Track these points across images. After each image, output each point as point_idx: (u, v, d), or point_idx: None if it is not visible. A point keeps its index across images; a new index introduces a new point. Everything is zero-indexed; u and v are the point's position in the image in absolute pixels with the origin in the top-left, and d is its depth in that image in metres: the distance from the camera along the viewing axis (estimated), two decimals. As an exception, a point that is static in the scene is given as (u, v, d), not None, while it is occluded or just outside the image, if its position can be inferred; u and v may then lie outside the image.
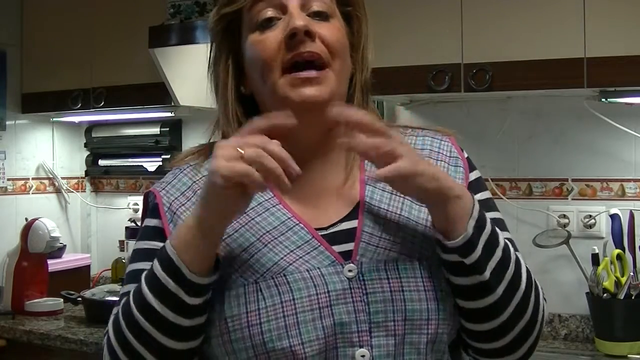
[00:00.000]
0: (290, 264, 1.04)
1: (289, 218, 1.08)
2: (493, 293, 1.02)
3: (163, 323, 0.99)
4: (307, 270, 1.03)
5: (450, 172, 1.14)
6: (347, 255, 1.05)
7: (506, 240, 1.06)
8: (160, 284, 0.99)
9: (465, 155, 1.18)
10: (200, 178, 1.12)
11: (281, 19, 1.07)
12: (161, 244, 1.04)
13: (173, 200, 1.12)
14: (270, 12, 1.07)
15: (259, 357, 1.00)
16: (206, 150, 1.16)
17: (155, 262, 1.01)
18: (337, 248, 1.06)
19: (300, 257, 1.04)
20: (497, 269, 1.02)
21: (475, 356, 1.11)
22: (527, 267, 1.08)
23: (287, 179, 0.94)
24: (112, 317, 1.06)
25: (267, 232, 1.07)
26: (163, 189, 1.14)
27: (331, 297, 1.01)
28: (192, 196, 1.11)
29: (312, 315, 1.00)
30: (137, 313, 1.01)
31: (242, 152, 0.93)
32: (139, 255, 1.12)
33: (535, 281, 1.08)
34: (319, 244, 1.06)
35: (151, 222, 1.13)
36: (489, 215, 1.08)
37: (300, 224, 1.07)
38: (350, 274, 1.03)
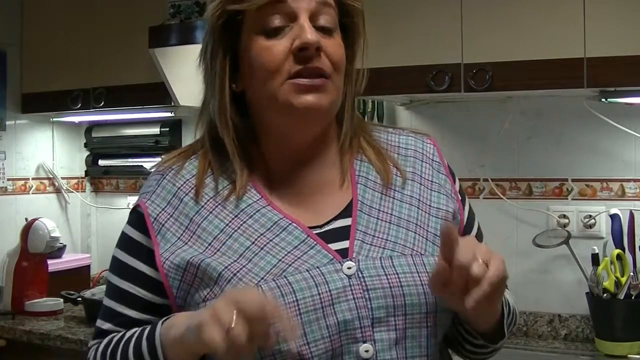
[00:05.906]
0: (290, 265, 1.04)
1: (281, 218, 1.09)
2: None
3: None
4: (307, 270, 1.04)
5: (433, 176, 1.17)
6: (343, 253, 1.06)
7: (506, 297, 1.12)
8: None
9: (446, 163, 1.21)
10: (184, 183, 1.13)
11: (288, 26, 1.07)
12: (142, 266, 1.10)
13: (160, 213, 1.11)
14: (278, 21, 1.07)
15: (265, 359, 1.01)
16: (189, 152, 1.17)
17: (143, 341, 1.03)
18: (333, 246, 1.07)
19: (299, 258, 1.05)
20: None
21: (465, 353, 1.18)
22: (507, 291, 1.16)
23: None
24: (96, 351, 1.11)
25: (261, 234, 1.07)
26: (148, 199, 1.14)
27: (333, 296, 1.02)
28: (179, 204, 1.11)
29: (316, 315, 1.01)
30: None
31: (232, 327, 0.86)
32: (120, 269, 1.15)
33: (509, 298, 1.17)
34: (315, 242, 1.07)
35: (134, 233, 1.14)
36: (476, 224, 1.20)
37: (294, 224, 1.08)
38: (349, 272, 1.04)
